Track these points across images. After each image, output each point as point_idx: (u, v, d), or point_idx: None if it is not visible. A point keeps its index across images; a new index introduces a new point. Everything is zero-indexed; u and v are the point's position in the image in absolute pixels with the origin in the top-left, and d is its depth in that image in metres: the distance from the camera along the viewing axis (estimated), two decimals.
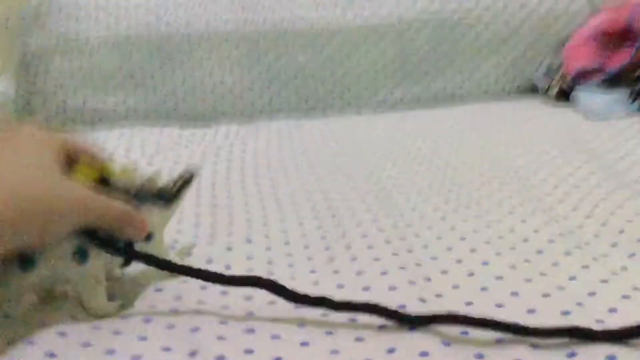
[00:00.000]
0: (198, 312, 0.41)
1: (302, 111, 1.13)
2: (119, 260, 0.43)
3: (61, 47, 1.08)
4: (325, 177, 0.74)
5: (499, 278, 0.45)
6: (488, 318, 0.38)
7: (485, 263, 0.48)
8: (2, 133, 0.40)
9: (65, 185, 0.39)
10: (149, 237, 0.44)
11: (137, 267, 0.46)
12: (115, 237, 0.41)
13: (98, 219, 0.40)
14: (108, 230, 0.41)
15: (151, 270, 0.46)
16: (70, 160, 0.41)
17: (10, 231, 0.35)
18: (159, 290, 0.45)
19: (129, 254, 0.42)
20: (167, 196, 0.46)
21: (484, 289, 0.44)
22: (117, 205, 0.41)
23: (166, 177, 0.47)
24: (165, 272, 0.47)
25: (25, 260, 0.38)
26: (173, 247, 0.53)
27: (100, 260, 0.41)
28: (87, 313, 0.42)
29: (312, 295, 0.41)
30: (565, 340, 0.36)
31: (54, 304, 0.43)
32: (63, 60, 1.08)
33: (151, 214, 0.44)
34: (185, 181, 0.48)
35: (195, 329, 0.39)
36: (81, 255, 0.40)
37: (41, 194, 0.36)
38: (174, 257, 0.48)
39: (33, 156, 0.38)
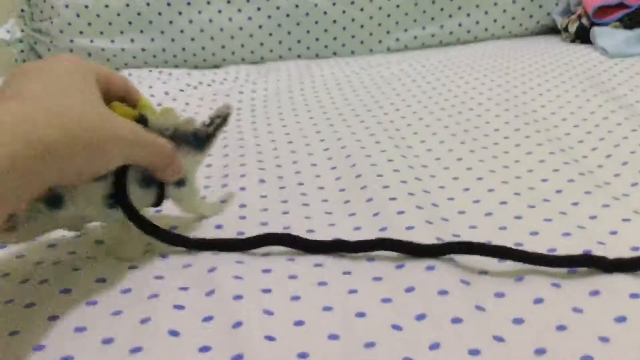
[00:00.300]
0: (214, 252, 0.41)
1: (313, 52, 1.10)
2: (149, 200, 0.41)
3: None
4: (338, 118, 0.73)
5: (518, 217, 0.45)
6: (504, 247, 0.37)
7: (503, 203, 0.47)
8: (39, 61, 0.37)
9: (112, 116, 0.36)
10: (182, 182, 0.43)
11: (166, 208, 0.45)
12: (150, 177, 0.40)
13: (143, 155, 0.38)
14: (147, 167, 0.39)
15: (179, 212, 0.45)
16: (105, 96, 0.38)
17: (63, 160, 0.32)
18: (174, 228, 0.44)
19: (150, 232, 0.40)
20: (202, 138, 0.44)
21: (502, 228, 0.43)
22: (163, 143, 0.39)
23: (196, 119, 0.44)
24: (193, 215, 0.46)
25: (53, 198, 0.37)
26: None
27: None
28: (113, 255, 0.41)
29: (327, 242, 0.41)
30: (587, 278, 0.36)
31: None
32: (69, 0, 1.05)
33: (186, 157, 0.42)
34: (221, 121, 0.46)
35: (212, 269, 0.39)
36: (112, 200, 0.39)
37: (91, 123, 0.33)
38: (205, 204, 0.47)
39: (76, 82, 0.35)
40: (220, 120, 0.46)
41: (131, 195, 0.39)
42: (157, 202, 0.42)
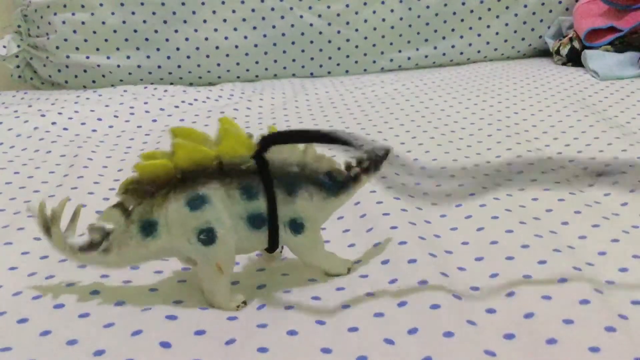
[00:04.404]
0: None
1: (308, 71, 1.11)
2: (259, 244, 0.37)
3: (64, 2, 1.06)
4: None
5: (509, 231, 0.45)
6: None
7: (495, 217, 0.48)
8: None
9: None
10: (298, 229, 0.37)
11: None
12: (260, 218, 0.36)
13: None
14: None
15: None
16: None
17: None
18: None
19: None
20: (339, 181, 0.38)
21: (493, 242, 0.44)
22: None
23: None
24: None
25: (148, 224, 0.36)
26: None
27: (226, 246, 0.36)
28: (206, 301, 0.37)
29: None
30: (577, 289, 0.36)
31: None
32: (66, 16, 1.06)
33: (309, 200, 0.37)
34: (370, 165, 0.39)
35: None
36: (208, 236, 0.35)
37: None
38: (331, 260, 0.40)
39: None
40: (368, 163, 0.39)
41: (236, 235, 0.36)
42: (271, 247, 0.38)
